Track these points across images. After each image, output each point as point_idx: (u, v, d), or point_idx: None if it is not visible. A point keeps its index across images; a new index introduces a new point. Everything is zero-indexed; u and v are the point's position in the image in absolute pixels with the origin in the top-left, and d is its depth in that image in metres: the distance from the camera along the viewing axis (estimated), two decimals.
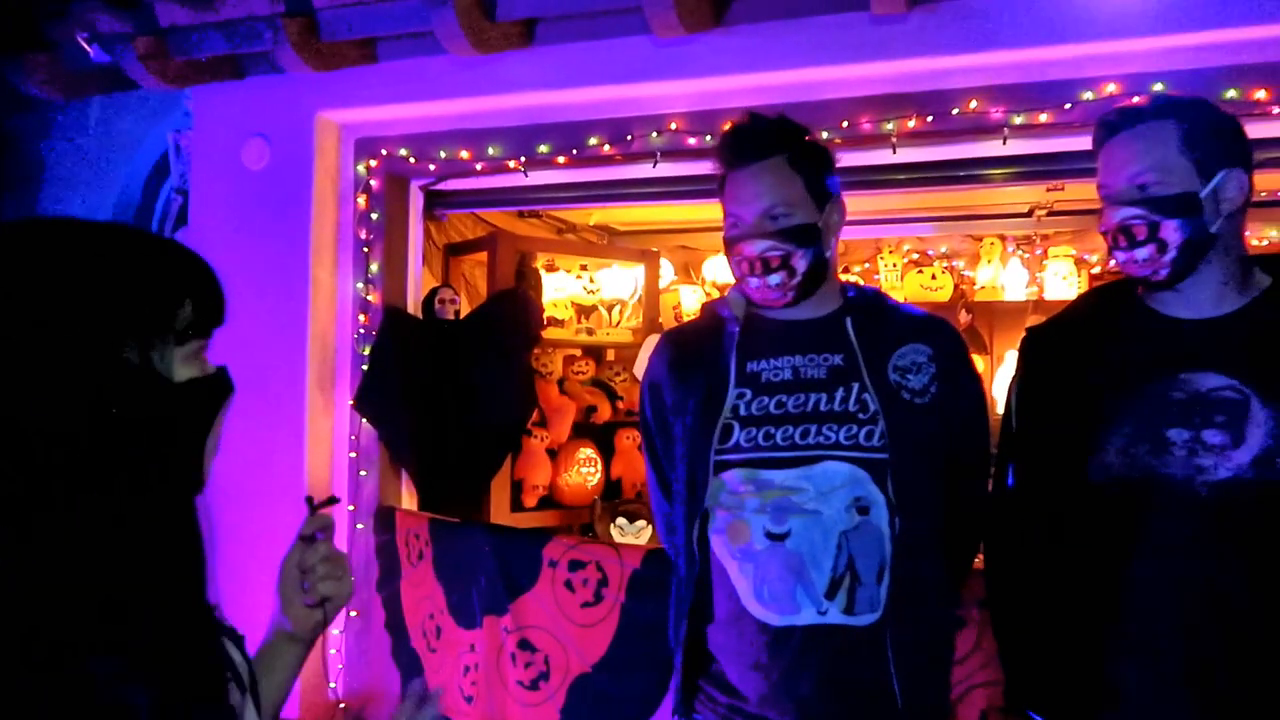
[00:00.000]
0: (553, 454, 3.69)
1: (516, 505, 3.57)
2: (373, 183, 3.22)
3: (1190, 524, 1.40)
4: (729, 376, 1.66)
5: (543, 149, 2.97)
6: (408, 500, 3.28)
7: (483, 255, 3.70)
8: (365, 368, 3.17)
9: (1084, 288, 4.52)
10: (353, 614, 3.12)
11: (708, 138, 2.76)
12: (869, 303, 1.74)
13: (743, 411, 1.64)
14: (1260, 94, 2.29)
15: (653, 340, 3.94)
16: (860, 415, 1.60)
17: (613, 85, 2.80)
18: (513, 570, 2.59)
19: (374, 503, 3.16)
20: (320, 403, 3.21)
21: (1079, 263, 4.47)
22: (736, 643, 1.61)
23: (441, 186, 3.32)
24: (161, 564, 0.87)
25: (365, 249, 3.22)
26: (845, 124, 2.61)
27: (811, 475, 1.57)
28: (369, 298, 3.22)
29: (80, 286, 0.85)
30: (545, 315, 3.78)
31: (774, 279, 1.62)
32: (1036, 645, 1.54)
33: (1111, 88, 2.39)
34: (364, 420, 3.18)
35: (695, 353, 1.74)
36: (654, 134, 2.83)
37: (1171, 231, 1.44)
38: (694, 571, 1.65)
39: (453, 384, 3.21)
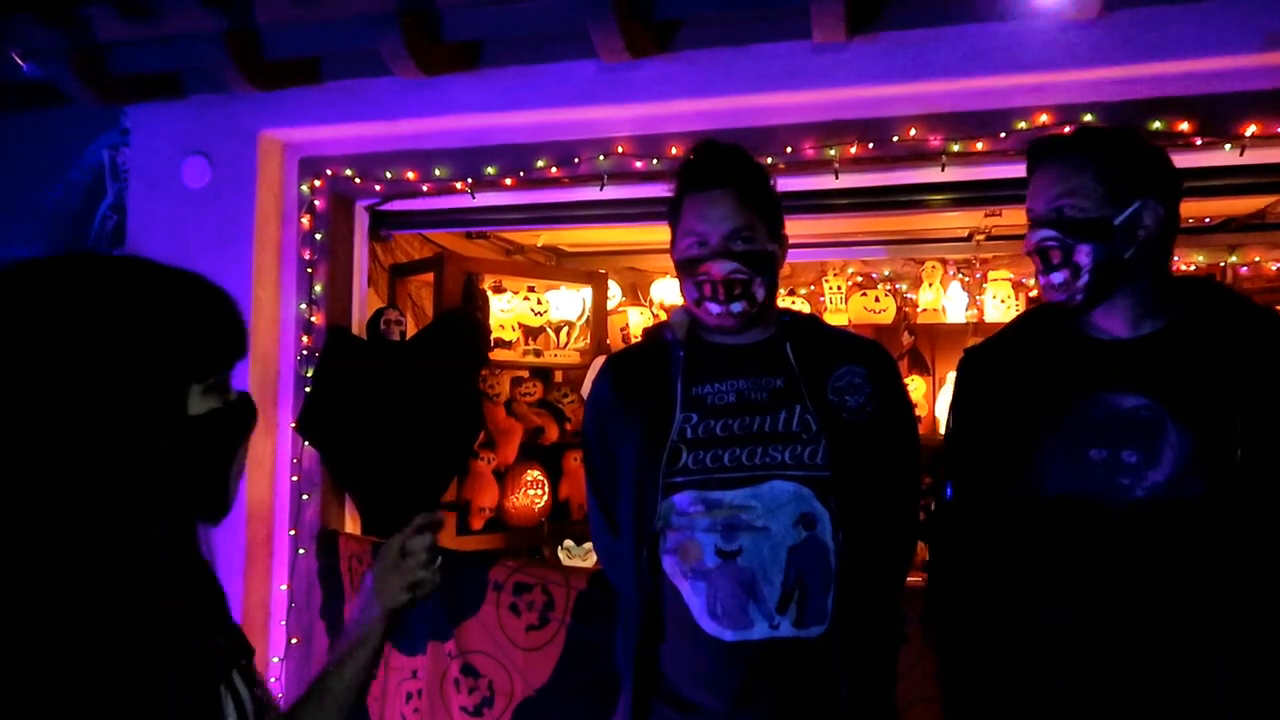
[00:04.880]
0: (500, 476, 3.67)
1: (463, 528, 3.53)
2: (317, 203, 3.19)
3: (1108, 543, 1.44)
4: (675, 400, 1.68)
5: (490, 170, 2.97)
6: (351, 524, 3.23)
7: (429, 276, 3.68)
8: (308, 390, 3.12)
9: (1021, 310, 4.63)
10: (294, 641, 3.06)
11: (654, 161, 2.79)
12: (805, 327, 1.78)
13: (690, 435, 1.65)
14: (1184, 125, 2.38)
15: (600, 362, 3.94)
16: (803, 435, 1.63)
17: (559, 108, 2.81)
18: (457, 594, 2.56)
19: (316, 527, 3.10)
20: (261, 425, 3.14)
21: (1017, 286, 4.58)
22: (690, 661, 1.62)
23: (387, 207, 3.30)
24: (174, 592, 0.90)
25: (309, 269, 3.18)
26: (789, 149, 2.66)
27: (760, 494, 1.59)
28: (312, 319, 3.18)
29: (96, 334, 0.88)
30: (492, 336, 3.76)
31: (736, 306, 1.65)
32: (973, 662, 1.57)
33: (1044, 118, 2.47)
34: (306, 443, 3.13)
35: (640, 377, 1.75)
36: (601, 157, 2.84)
37: (1084, 255, 1.49)
38: (645, 593, 1.65)
39: (398, 406, 3.17)
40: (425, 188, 3.07)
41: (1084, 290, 1.50)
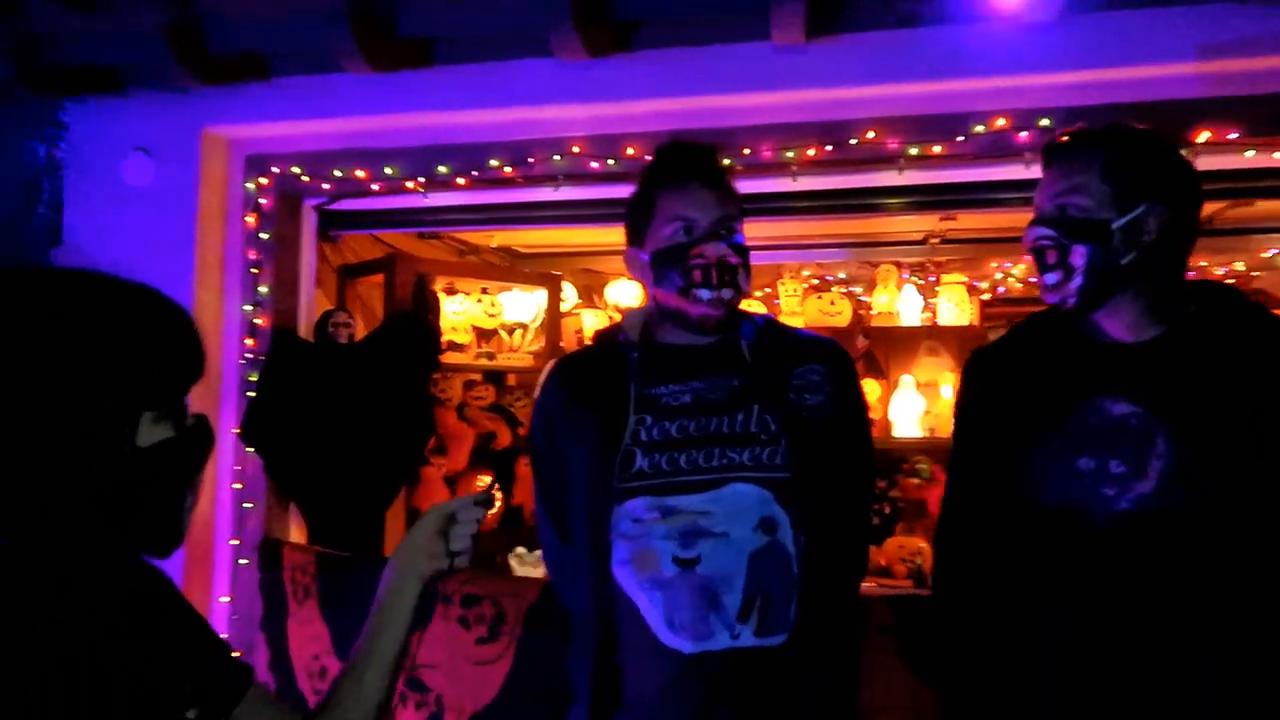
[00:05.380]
0: (451, 482, 3.60)
1: None
2: (263, 201, 3.10)
3: (1090, 555, 1.40)
4: (628, 403, 1.63)
5: (442, 170, 2.91)
6: (296, 534, 3.14)
7: (379, 277, 3.60)
8: (252, 394, 3.03)
9: (974, 314, 4.67)
10: (235, 654, 2.96)
11: (610, 162, 2.75)
12: (762, 326, 1.74)
13: (643, 437, 1.60)
14: None
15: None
16: (762, 436, 1.59)
17: (515, 108, 2.76)
18: None
19: (259, 536, 3.01)
20: None
21: (970, 290, 4.62)
22: (648, 674, 1.56)
23: (337, 206, 3.22)
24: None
25: (254, 270, 3.09)
26: (747, 151, 2.64)
27: (720, 498, 1.55)
28: (257, 321, 3.08)
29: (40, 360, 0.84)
30: (444, 339, 3.69)
31: (726, 293, 1.61)
32: (975, 667, 1.53)
33: (1001, 122, 2.47)
34: (250, 450, 3.04)
35: (591, 381, 1.70)
36: (556, 157, 2.80)
37: (1079, 257, 1.43)
38: (600, 605, 1.60)
39: (346, 411, 3.09)
40: (376, 187, 3.00)
41: (1077, 293, 1.45)
